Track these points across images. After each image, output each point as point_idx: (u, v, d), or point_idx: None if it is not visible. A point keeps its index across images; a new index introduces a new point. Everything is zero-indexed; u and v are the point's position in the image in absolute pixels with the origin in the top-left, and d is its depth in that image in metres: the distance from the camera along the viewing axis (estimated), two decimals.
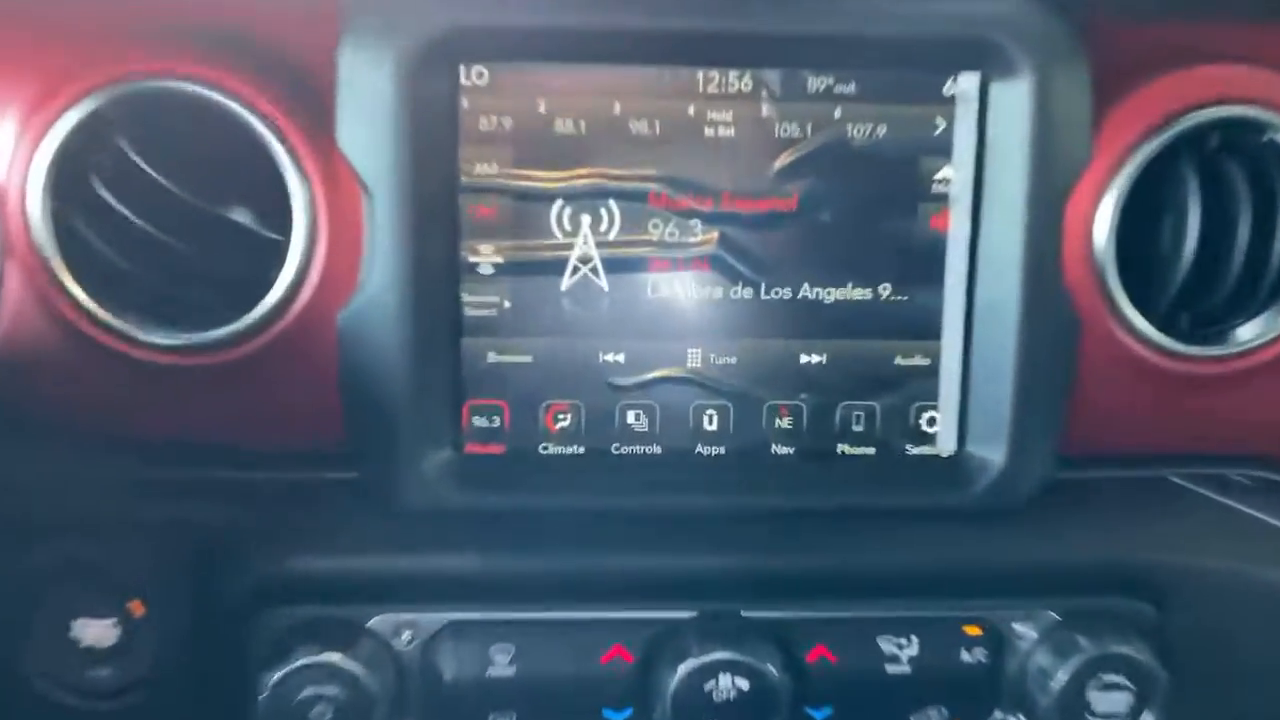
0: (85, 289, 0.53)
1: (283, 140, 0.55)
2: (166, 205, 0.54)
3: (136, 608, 0.57)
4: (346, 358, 0.56)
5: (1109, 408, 0.63)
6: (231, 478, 0.59)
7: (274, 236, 0.56)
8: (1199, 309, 0.63)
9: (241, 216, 0.56)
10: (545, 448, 0.59)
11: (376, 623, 0.57)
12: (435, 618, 0.57)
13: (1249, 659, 0.60)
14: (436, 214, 0.57)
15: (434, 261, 0.57)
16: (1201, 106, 0.58)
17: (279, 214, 0.55)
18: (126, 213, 0.54)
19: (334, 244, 0.55)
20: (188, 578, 0.56)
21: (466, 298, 0.57)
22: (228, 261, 0.56)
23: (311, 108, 0.56)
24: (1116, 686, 0.56)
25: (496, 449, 0.59)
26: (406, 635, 0.57)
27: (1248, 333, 0.61)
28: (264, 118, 0.55)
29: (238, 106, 0.55)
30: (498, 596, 0.57)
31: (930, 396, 0.60)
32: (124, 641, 0.56)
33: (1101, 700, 0.57)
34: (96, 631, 0.56)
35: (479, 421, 0.59)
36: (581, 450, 0.59)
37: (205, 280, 0.56)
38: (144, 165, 0.53)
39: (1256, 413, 0.61)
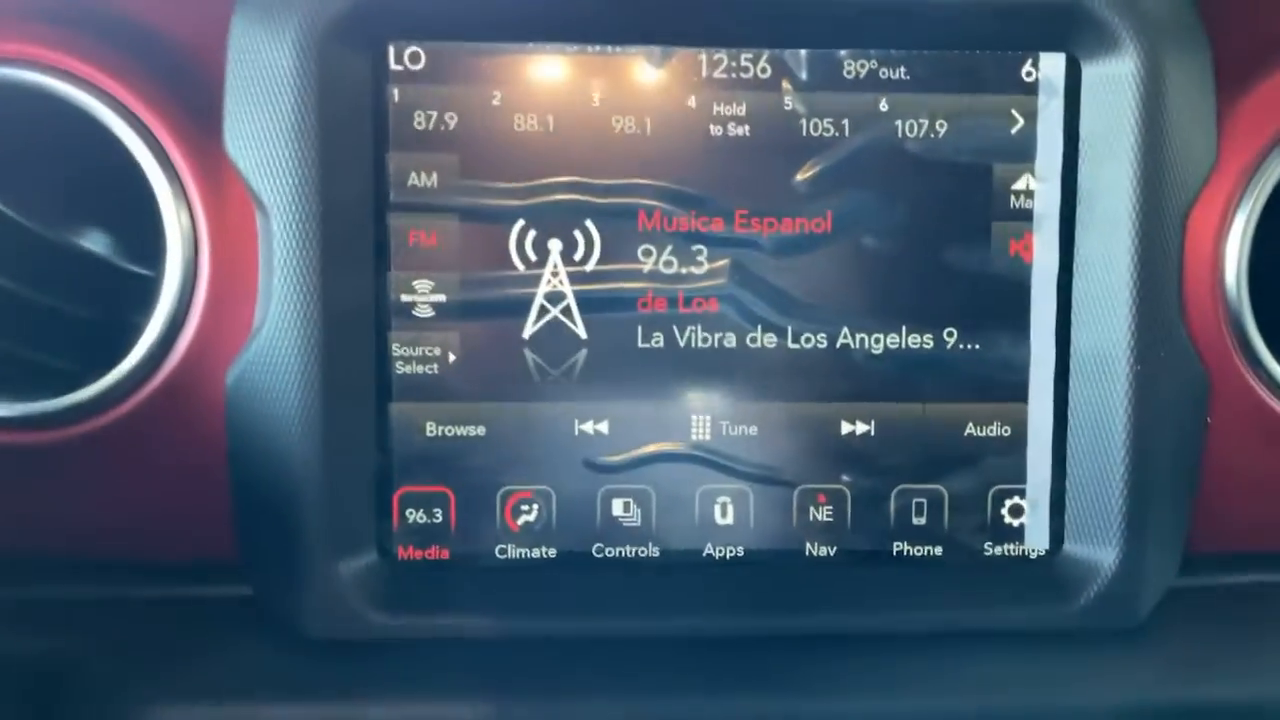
0: None
1: (151, 144, 0.44)
2: None
3: None
4: (236, 429, 0.45)
5: (1246, 490, 0.50)
6: (81, 596, 0.47)
7: (141, 271, 0.47)
8: None
9: (97, 245, 0.47)
10: (503, 551, 0.47)
11: None
12: None
13: None
14: (357, 239, 0.45)
15: (353, 301, 0.45)
16: None
17: (148, 241, 0.45)
18: None
19: (220, 280, 0.45)
20: None
21: (398, 349, 0.46)
22: (78, 305, 0.47)
23: (192, 102, 0.45)
24: None
25: (438, 554, 0.47)
26: None
27: None
28: (126, 114, 0.44)
29: (90, 99, 0.44)
30: None
31: (1014, 478, 0.48)
32: None
33: None
34: None
35: (414, 517, 0.47)
36: (552, 554, 0.47)
37: (48, 331, 0.46)
38: None
39: None
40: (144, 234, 0.45)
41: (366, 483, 0.45)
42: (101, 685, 0.45)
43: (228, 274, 0.44)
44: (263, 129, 0.43)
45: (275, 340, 0.43)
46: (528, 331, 0.46)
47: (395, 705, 0.45)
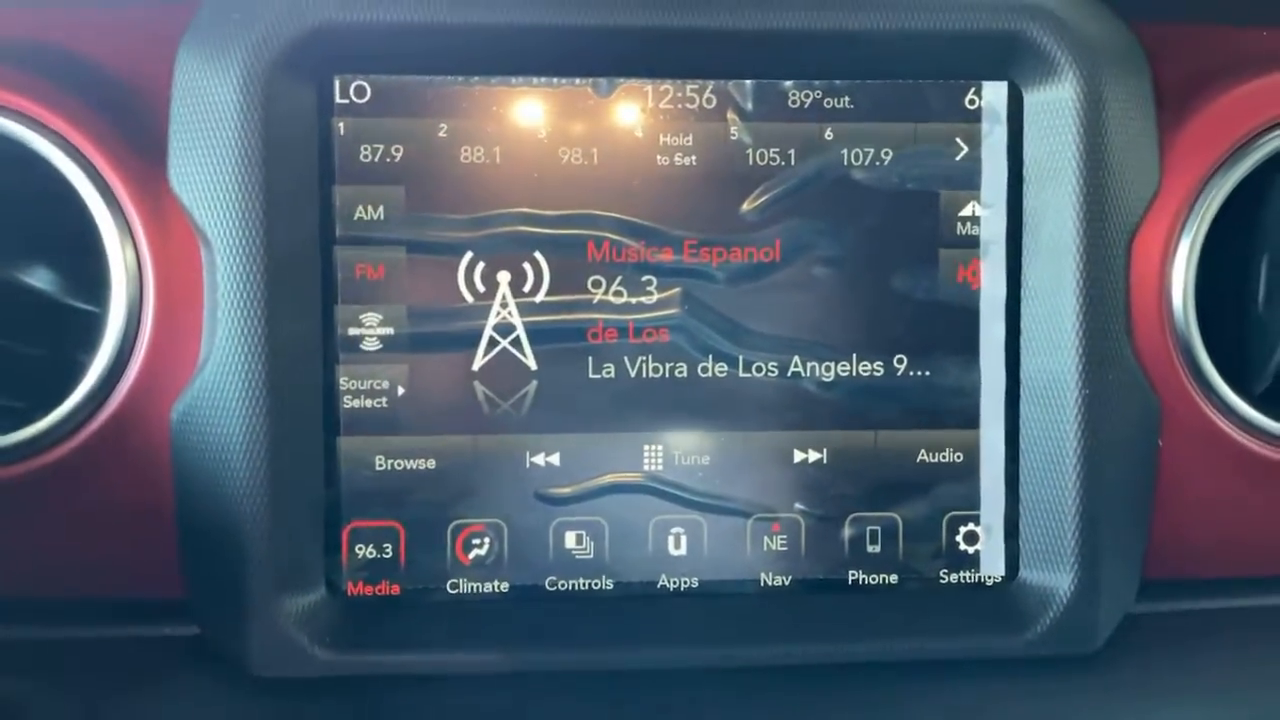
0: None
1: (95, 179, 0.44)
2: None
3: None
4: (182, 466, 0.44)
5: (1201, 515, 0.50)
6: (27, 636, 0.46)
7: (85, 307, 0.45)
8: None
9: (40, 281, 0.45)
10: (455, 585, 0.47)
11: None
12: None
13: None
14: (303, 272, 0.45)
15: (300, 335, 0.44)
16: None
17: (92, 277, 0.45)
18: None
19: (165, 315, 0.45)
20: None
21: (346, 383, 0.45)
22: (21, 342, 0.45)
23: (136, 137, 0.45)
24: None
25: (388, 589, 0.46)
26: None
27: None
28: (70, 149, 0.44)
29: (33, 134, 0.44)
30: None
31: (968, 504, 0.48)
32: None
33: None
34: None
35: (364, 552, 0.46)
36: (504, 588, 0.47)
37: None
38: None
39: None
40: (89, 270, 0.44)
41: (315, 518, 0.45)
42: None
43: (173, 309, 0.44)
44: (207, 163, 0.42)
45: (220, 375, 0.42)
46: (477, 364, 0.45)
47: None
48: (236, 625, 0.43)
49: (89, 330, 0.44)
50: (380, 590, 0.46)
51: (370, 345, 0.45)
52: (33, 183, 0.43)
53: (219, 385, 0.43)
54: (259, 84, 0.42)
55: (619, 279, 0.45)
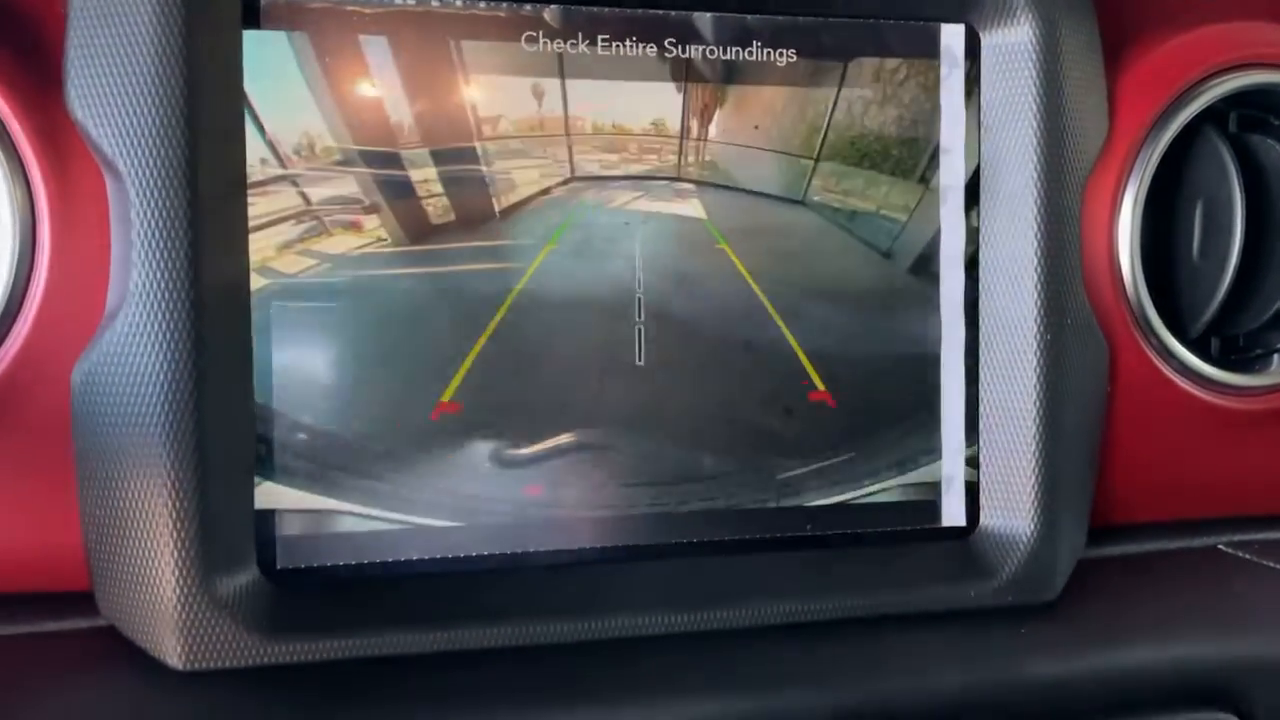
0: None
1: None
2: None
3: None
4: (86, 436, 0.38)
5: (1142, 460, 0.50)
6: None
7: None
8: (1229, 329, 0.50)
9: None
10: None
11: None
12: None
13: None
14: (231, 206, 0.39)
15: (227, 278, 0.39)
16: (1236, 69, 0.47)
17: None
18: None
19: (63, 260, 0.39)
20: None
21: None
22: None
23: (22, 51, 0.39)
24: None
25: (332, 561, 0.41)
26: None
27: None
28: None
29: None
30: None
31: (929, 453, 0.47)
32: None
33: None
34: None
35: (303, 522, 0.41)
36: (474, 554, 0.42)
37: None
38: None
39: None
40: None
41: (245, 487, 0.40)
42: None
43: (72, 254, 0.38)
44: (115, 85, 0.37)
45: (134, 328, 0.37)
46: None
47: None
48: (153, 612, 0.38)
49: None
50: (323, 563, 0.41)
51: None
52: None
53: (132, 340, 0.37)
54: None
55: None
